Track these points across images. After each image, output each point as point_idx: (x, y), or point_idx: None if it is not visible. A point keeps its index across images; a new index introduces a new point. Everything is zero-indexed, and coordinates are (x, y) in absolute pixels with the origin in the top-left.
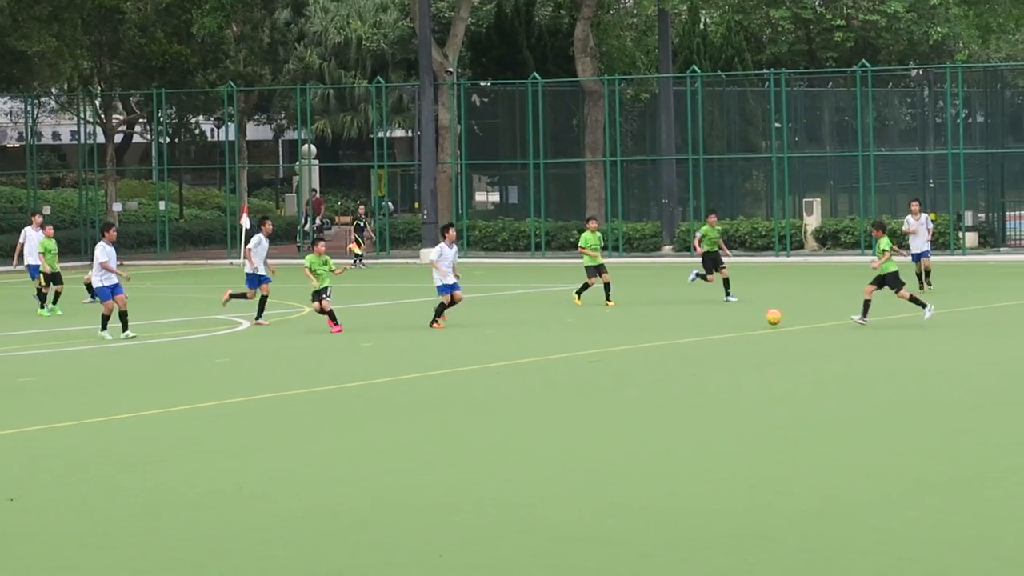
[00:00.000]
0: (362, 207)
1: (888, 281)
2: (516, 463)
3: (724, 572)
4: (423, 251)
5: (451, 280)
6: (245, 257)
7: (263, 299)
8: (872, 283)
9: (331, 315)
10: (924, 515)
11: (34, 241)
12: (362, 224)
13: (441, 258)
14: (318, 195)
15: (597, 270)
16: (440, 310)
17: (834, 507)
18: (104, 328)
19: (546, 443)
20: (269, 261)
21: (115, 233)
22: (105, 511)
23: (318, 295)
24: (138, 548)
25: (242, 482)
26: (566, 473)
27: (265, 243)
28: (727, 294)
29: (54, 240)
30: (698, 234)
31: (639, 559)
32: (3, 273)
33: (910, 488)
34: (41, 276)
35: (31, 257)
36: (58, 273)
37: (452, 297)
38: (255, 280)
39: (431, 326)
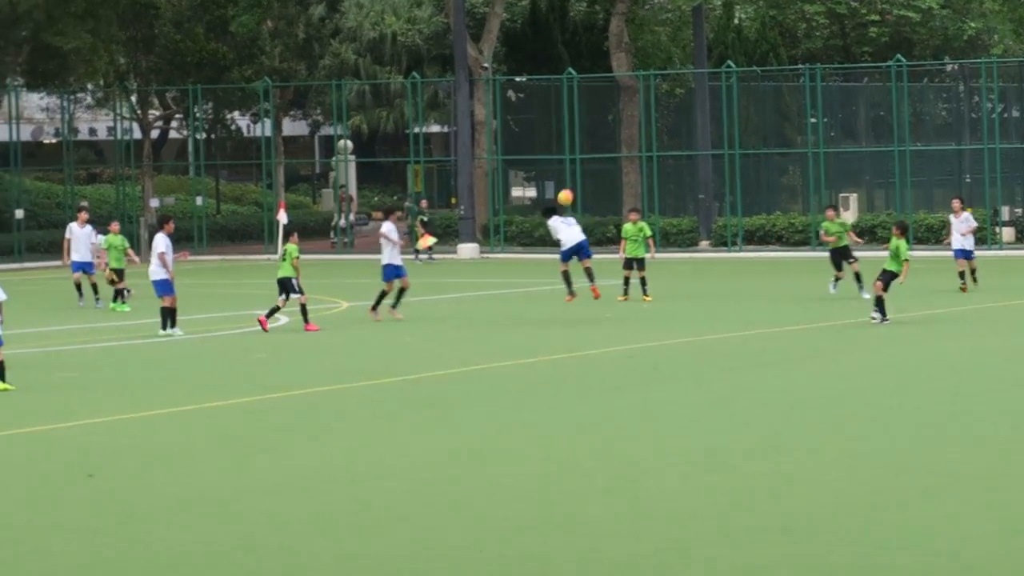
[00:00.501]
0: (424, 201)
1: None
2: (554, 458)
3: (761, 566)
4: (460, 246)
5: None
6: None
7: (393, 292)
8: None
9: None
10: (962, 509)
11: (80, 238)
12: (425, 219)
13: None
14: (347, 192)
15: (631, 263)
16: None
17: (874, 501)
18: (173, 325)
19: (583, 438)
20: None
21: (173, 225)
22: (138, 506)
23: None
24: (171, 543)
25: (278, 477)
26: (604, 468)
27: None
28: (859, 289)
29: (122, 236)
30: (821, 231)
31: (673, 554)
32: (43, 269)
33: (952, 481)
34: (111, 271)
35: (76, 254)
36: (121, 270)
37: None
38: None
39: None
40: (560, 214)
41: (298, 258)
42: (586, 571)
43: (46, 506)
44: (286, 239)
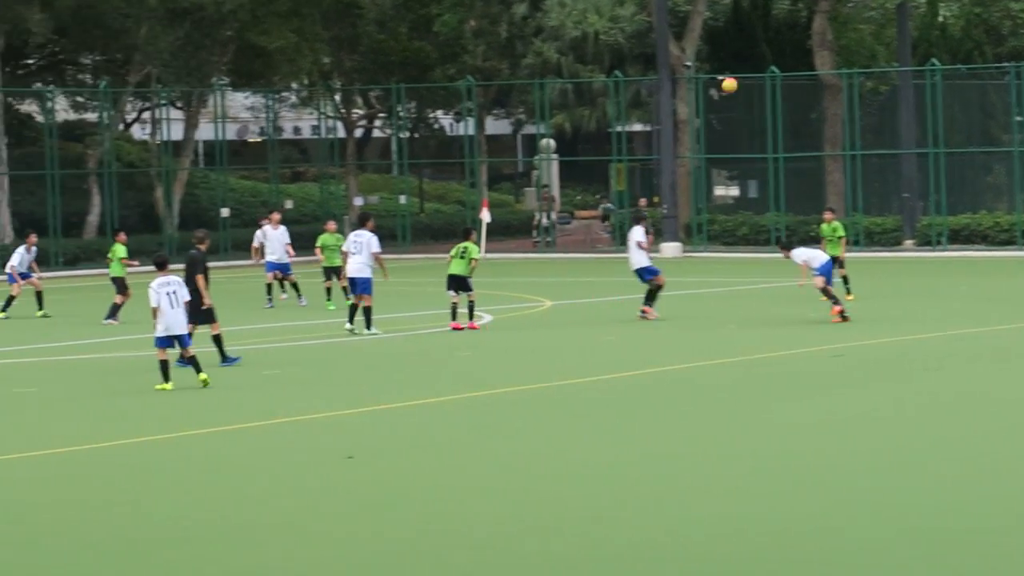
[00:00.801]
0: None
1: None
2: (744, 458)
3: (952, 569)
4: (663, 245)
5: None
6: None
7: (650, 290)
8: None
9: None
10: None
11: (274, 239)
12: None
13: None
14: (549, 191)
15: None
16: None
17: None
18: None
19: (774, 439)
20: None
21: (373, 223)
22: (337, 504)
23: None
24: (372, 542)
25: (479, 475)
26: (792, 469)
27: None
28: None
29: (337, 235)
30: None
31: (864, 555)
32: (249, 267)
33: None
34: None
35: (273, 255)
36: (339, 267)
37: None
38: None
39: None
40: (793, 246)
41: (476, 260)
42: (775, 572)
43: (248, 504)
44: (466, 237)
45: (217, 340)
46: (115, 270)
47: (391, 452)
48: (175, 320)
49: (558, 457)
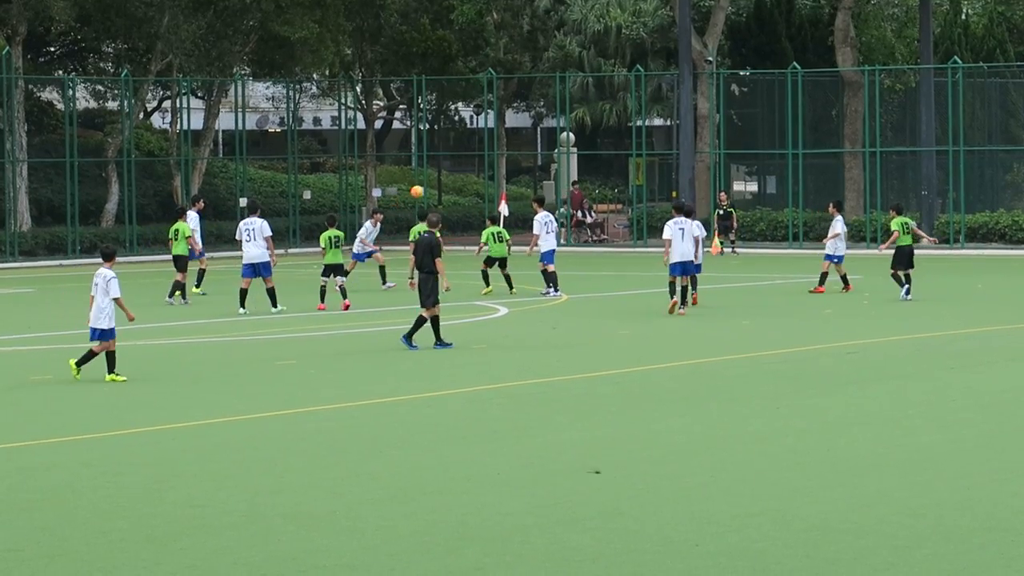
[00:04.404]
0: (723, 193)
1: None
2: (769, 454)
3: (979, 566)
4: None
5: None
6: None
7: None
8: None
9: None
10: None
11: (373, 234)
12: (722, 212)
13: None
14: (577, 188)
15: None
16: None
17: None
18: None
19: (799, 435)
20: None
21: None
22: (356, 494)
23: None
24: (389, 532)
25: (496, 468)
26: (819, 465)
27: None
28: None
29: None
30: None
31: (893, 552)
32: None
33: None
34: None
35: (369, 247)
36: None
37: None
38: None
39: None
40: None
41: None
42: (799, 568)
43: (267, 493)
44: (494, 223)
45: (435, 322)
46: (179, 248)
47: (404, 444)
48: (92, 313)
49: (572, 451)
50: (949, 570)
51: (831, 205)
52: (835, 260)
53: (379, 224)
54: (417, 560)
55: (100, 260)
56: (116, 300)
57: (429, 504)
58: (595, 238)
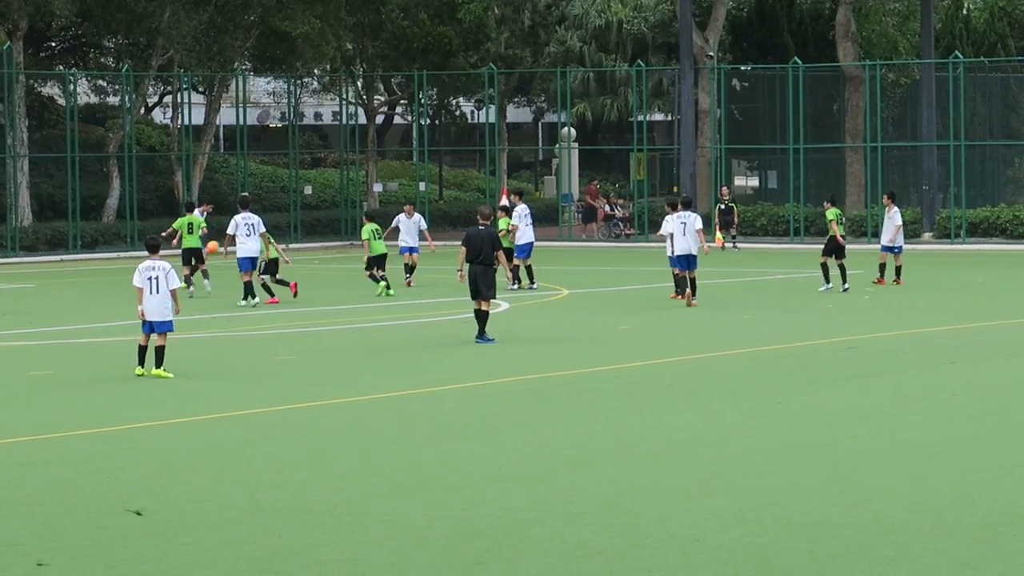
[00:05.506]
0: (724, 188)
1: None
2: (770, 449)
3: (979, 561)
4: None
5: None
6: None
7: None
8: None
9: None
10: None
11: (409, 226)
12: (724, 207)
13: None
14: (594, 184)
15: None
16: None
17: None
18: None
19: (800, 430)
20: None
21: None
22: (357, 489)
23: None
24: (390, 527)
25: (496, 463)
26: (820, 460)
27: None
28: None
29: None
30: None
31: (893, 546)
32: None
33: None
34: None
35: (411, 239)
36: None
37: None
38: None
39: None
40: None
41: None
42: (800, 563)
43: (269, 489)
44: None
45: (484, 316)
46: (191, 241)
47: (405, 439)
48: (151, 306)
49: (573, 446)
50: (949, 565)
51: (886, 196)
52: (895, 251)
53: (414, 215)
54: (418, 555)
55: (145, 252)
56: (172, 292)
57: (430, 499)
58: (627, 232)
